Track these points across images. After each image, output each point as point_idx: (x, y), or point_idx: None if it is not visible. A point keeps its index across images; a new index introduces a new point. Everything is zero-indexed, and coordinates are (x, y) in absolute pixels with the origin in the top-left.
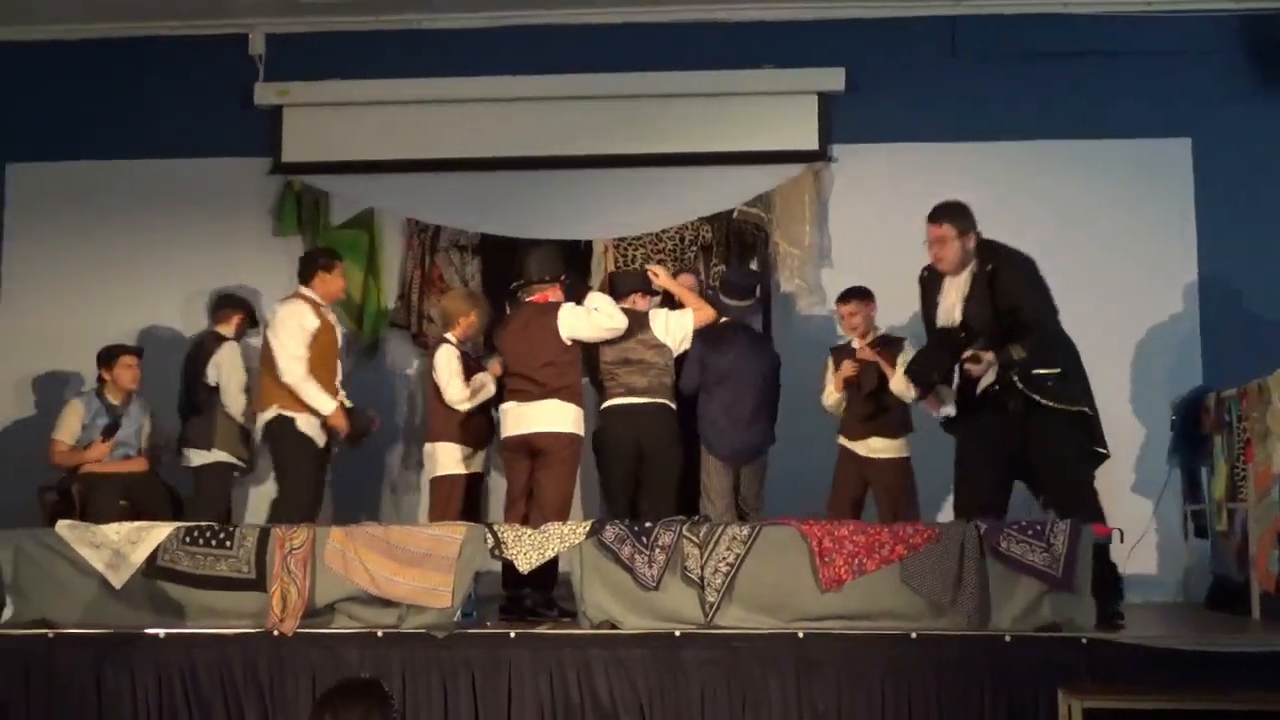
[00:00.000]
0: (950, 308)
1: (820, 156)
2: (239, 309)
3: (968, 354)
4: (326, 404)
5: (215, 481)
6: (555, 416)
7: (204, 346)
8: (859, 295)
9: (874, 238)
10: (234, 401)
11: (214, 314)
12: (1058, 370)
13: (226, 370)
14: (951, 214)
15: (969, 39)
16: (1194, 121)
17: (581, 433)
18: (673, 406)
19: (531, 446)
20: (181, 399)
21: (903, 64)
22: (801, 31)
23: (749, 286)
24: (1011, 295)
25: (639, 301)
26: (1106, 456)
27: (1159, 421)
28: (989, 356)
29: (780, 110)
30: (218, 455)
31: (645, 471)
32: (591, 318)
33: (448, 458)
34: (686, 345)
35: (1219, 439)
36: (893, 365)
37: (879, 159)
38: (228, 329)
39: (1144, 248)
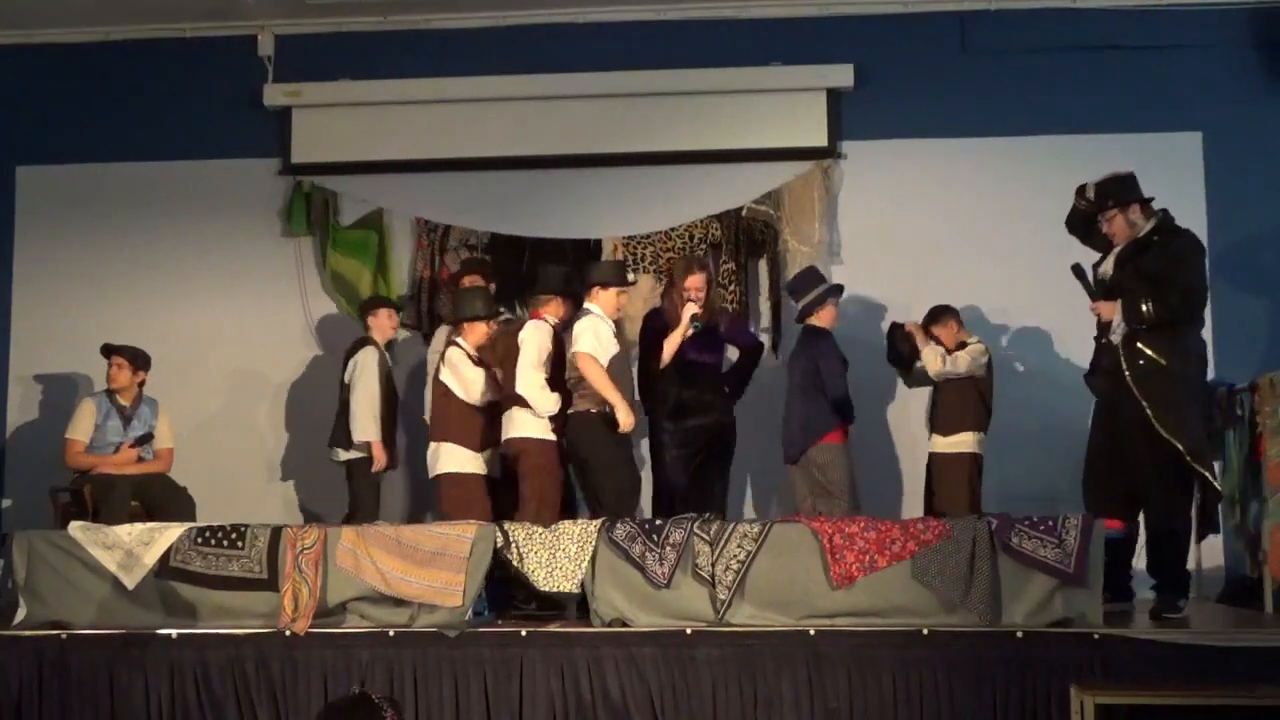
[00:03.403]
0: (1108, 262)
1: (829, 153)
2: (381, 305)
3: (1091, 306)
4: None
5: (362, 477)
6: (523, 423)
7: (352, 347)
8: (930, 320)
9: (884, 234)
10: (358, 403)
11: (361, 315)
12: (1160, 361)
13: (358, 372)
14: (1113, 193)
15: (978, 34)
16: (1204, 115)
17: (551, 438)
18: (593, 410)
19: (507, 452)
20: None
21: (912, 60)
22: (810, 28)
23: (796, 286)
24: (1157, 263)
25: (619, 296)
26: (1214, 490)
27: None
28: (1110, 305)
29: (789, 107)
30: (360, 452)
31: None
32: (524, 353)
33: (450, 456)
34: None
35: (1230, 434)
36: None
37: (888, 155)
38: (374, 330)
39: None
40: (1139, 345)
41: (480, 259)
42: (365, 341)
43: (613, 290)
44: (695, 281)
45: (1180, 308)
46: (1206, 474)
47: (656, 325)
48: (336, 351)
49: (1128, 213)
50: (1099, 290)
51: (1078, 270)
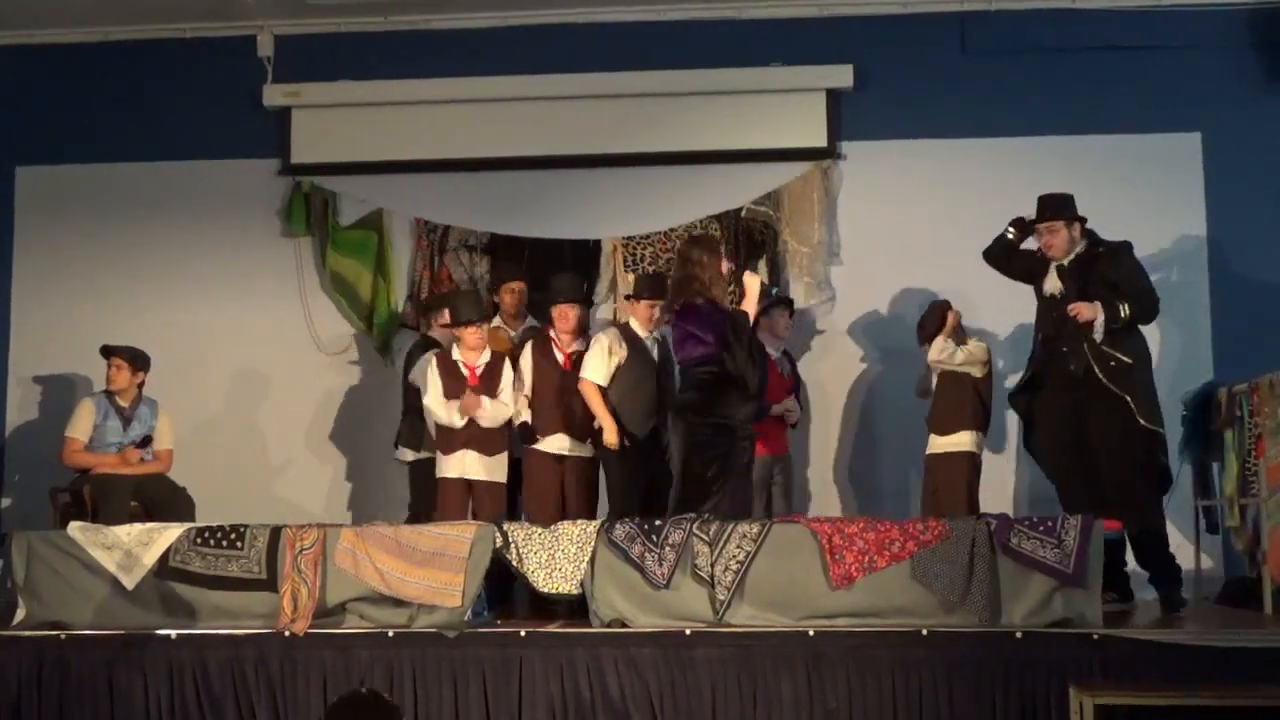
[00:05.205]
0: (1051, 279)
1: (829, 154)
2: (440, 307)
3: (1071, 307)
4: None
5: (425, 479)
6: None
7: (415, 349)
8: (936, 326)
9: (883, 235)
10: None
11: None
12: (1128, 361)
13: (419, 375)
14: (1057, 209)
15: (978, 35)
16: (1204, 116)
17: (532, 446)
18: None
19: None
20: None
21: (911, 60)
22: (810, 28)
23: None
24: (1112, 271)
25: (656, 310)
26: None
27: (1170, 417)
28: (1090, 308)
29: (788, 107)
30: (426, 454)
31: None
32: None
33: (438, 462)
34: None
35: (1230, 434)
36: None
37: (888, 156)
38: (435, 331)
39: (1154, 242)
40: (1105, 349)
41: (517, 269)
42: (431, 343)
43: (644, 302)
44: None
45: (1150, 308)
46: (1167, 464)
47: (710, 308)
48: (336, 352)
49: (1071, 229)
50: (1051, 305)
51: (1019, 223)
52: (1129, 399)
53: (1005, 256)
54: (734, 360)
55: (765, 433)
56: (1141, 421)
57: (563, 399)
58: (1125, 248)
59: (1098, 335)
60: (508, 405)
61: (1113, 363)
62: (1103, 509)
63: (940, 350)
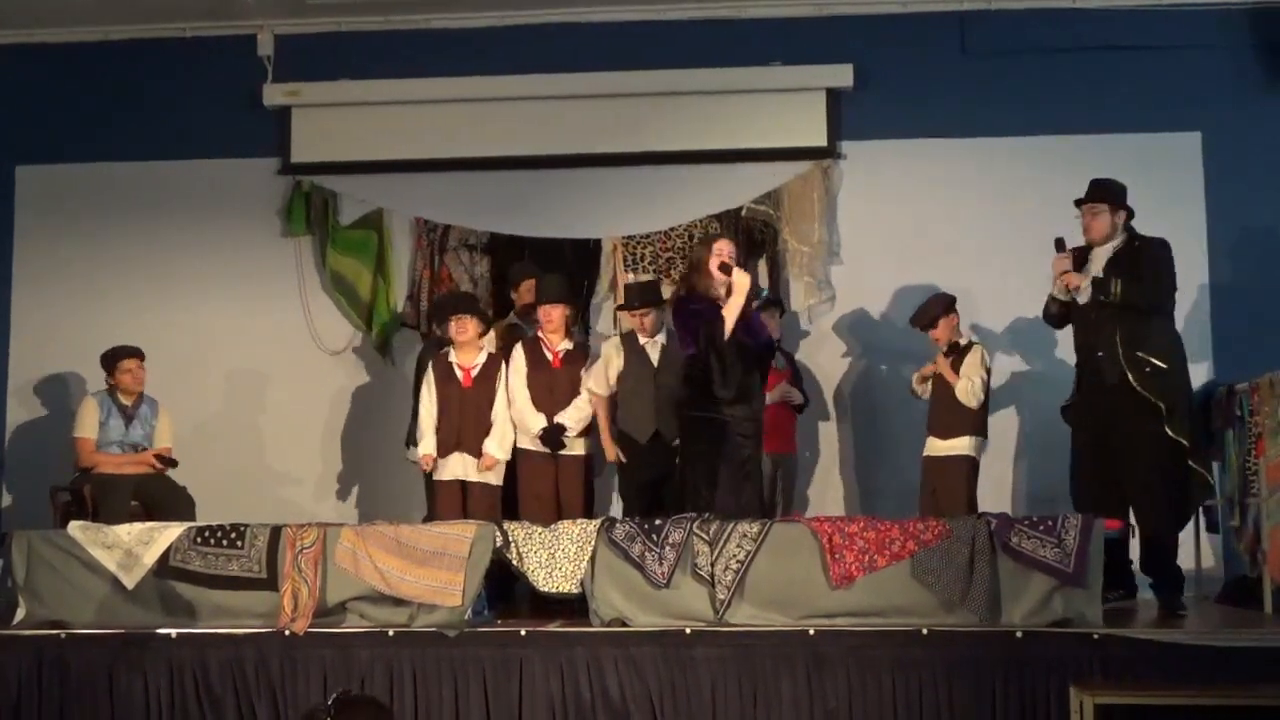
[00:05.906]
0: (1096, 267)
1: (829, 153)
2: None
3: (1061, 270)
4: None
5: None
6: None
7: (427, 351)
8: (930, 322)
9: (883, 234)
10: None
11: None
12: (1162, 366)
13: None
14: (1104, 192)
15: (977, 35)
16: (1204, 116)
17: (524, 446)
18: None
19: None
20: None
21: (911, 60)
22: (809, 28)
23: None
24: (1143, 261)
25: (646, 320)
26: (1208, 489)
27: None
28: (1078, 275)
29: (788, 107)
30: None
31: None
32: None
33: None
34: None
35: (1230, 434)
36: (957, 373)
37: (887, 155)
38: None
39: None
40: (1140, 354)
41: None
42: (444, 342)
43: (627, 312)
44: (729, 246)
45: (1151, 295)
46: (1204, 472)
47: (698, 306)
48: (336, 351)
49: (1115, 215)
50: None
51: (1060, 244)
52: (1163, 406)
53: (1061, 316)
54: (709, 358)
55: (767, 428)
56: (1169, 433)
57: (553, 398)
58: (1159, 243)
59: (1081, 298)
60: (505, 427)
61: (1147, 369)
62: (1109, 512)
63: (970, 395)
